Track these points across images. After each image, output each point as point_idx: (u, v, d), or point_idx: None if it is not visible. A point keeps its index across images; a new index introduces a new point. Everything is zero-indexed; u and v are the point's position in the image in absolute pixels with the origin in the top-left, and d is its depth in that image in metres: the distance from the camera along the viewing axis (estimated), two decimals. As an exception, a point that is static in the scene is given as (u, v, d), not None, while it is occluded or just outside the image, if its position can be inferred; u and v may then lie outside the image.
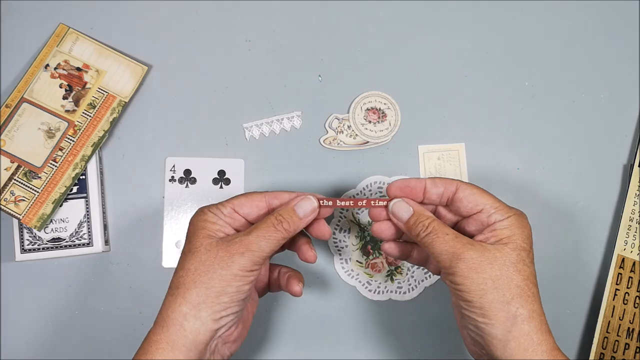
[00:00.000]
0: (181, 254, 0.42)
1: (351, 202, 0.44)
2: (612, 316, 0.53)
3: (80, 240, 0.52)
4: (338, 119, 0.55)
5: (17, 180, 0.51)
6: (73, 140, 0.52)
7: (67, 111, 0.52)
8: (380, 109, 0.55)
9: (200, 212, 0.43)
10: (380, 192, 0.55)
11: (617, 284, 0.53)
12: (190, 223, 0.43)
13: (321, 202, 0.44)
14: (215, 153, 0.55)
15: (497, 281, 0.39)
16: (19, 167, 0.51)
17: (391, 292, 0.54)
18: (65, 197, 0.52)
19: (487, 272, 0.39)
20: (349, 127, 0.55)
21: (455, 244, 0.40)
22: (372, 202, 0.44)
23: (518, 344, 0.38)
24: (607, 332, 0.53)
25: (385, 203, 0.44)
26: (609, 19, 0.57)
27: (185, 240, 0.42)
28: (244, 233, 0.41)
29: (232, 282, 0.40)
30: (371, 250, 0.54)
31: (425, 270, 0.54)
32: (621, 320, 0.53)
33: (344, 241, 0.54)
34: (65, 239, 0.52)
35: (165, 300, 0.41)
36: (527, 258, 0.40)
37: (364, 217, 0.54)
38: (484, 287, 0.39)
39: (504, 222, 0.41)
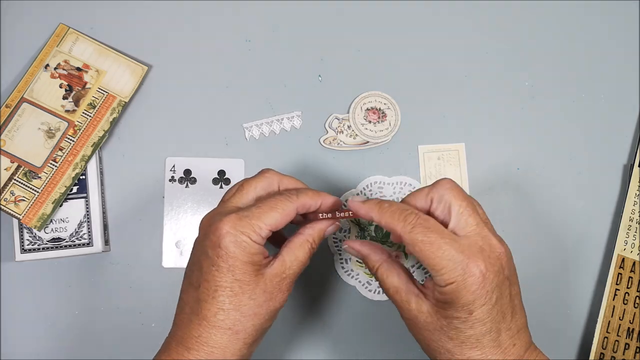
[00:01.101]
0: (210, 264, 0.39)
1: (350, 212, 0.44)
2: (612, 316, 0.53)
3: (80, 240, 0.52)
4: (338, 119, 0.55)
5: (17, 180, 0.51)
6: (73, 140, 0.52)
7: (67, 111, 0.52)
8: (380, 109, 0.55)
9: (236, 233, 0.39)
10: (381, 192, 0.55)
11: (617, 284, 0.53)
12: (221, 240, 0.39)
13: (320, 215, 0.44)
14: (215, 153, 0.55)
15: (431, 344, 0.40)
16: (19, 167, 0.51)
17: (391, 292, 0.54)
18: (65, 197, 0.52)
19: (421, 334, 0.40)
20: (349, 127, 0.55)
21: (394, 299, 0.42)
22: (337, 213, 0.44)
23: None
24: (607, 332, 0.53)
25: (346, 214, 0.44)
26: (609, 19, 0.57)
27: (213, 253, 0.39)
28: (282, 261, 0.41)
29: (276, 313, 0.42)
30: (371, 250, 0.54)
31: (425, 270, 0.54)
32: (621, 320, 0.53)
33: (344, 241, 0.54)
34: (65, 239, 0.52)
35: (198, 322, 0.40)
36: (464, 323, 0.38)
37: (364, 217, 0.54)
38: (419, 343, 0.42)
39: (442, 289, 0.38)
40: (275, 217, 0.40)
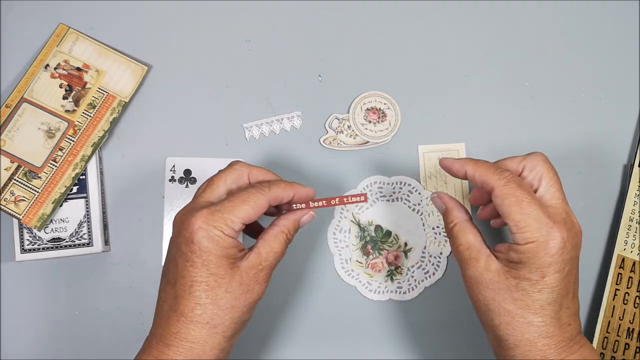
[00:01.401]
0: (184, 260, 0.39)
1: (324, 202, 0.45)
2: (612, 316, 0.53)
3: (80, 240, 0.52)
4: (338, 119, 0.55)
5: (17, 180, 0.51)
6: (73, 140, 0.52)
7: (67, 111, 0.52)
8: (380, 109, 0.55)
9: (209, 228, 0.39)
10: (381, 191, 0.55)
11: (617, 284, 0.53)
12: (194, 236, 0.39)
13: (294, 206, 0.44)
14: (215, 153, 0.55)
15: (491, 304, 0.41)
16: (19, 167, 0.51)
17: (391, 292, 0.54)
18: (65, 197, 0.52)
19: (483, 293, 0.41)
20: (349, 127, 0.55)
21: (463, 256, 0.42)
22: (345, 198, 0.45)
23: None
24: (607, 332, 0.53)
25: (356, 199, 0.45)
26: (609, 19, 0.57)
27: (187, 249, 0.39)
28: (258, 253, 0.41)
29: (254, 305, 0.42)
30: (371, 250, 0.54)
31: (426, 270, 0.54)
32: (621, 320, 0.53)
33: (344, 241, 0.54)
34: (65, 239, 0.52)
35: (176, 317, 0.40)
36: (534, 286, 0.39)
37: (364, 217, 0.54)
38: (477, 307, 0.42)
39: (520, 247, 0.39)
40: (247, 210, 0.40)
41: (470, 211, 0.45)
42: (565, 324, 0.40)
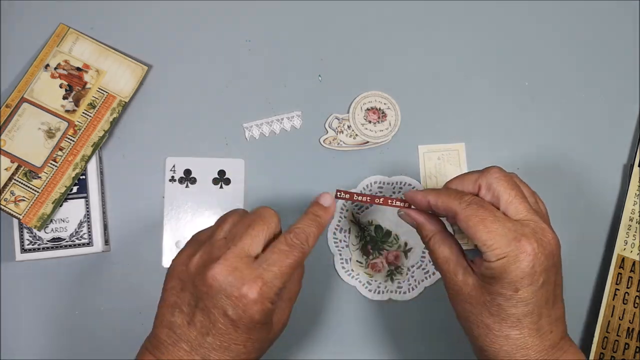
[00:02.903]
0: (227, 323, 0.39)
1: (368, 197, 0.46)
2: (612, 316, 0.53)
3: (80, 240, 0.52)
4: (338, 119, 0.55)
5: (17, 180, 0.51)
6: (73, 140, 0.52)
7: (67, 111, 0.52)
8: (380, 109, 0.55)
9: (264, 301, 0.39)
10: (380, 191, 0.55)
11: (617, 284, 0.53)
12: (248, 308, 0.38)
13: (338, 193, 0.45)
14: (215, 153, 0.55)
15: (470, 317, 0.41)
16: (19, 167, 0.51)
17: (391, 292, 0.54)
18: (65, 197, 0.52)
19: (462, 305, 0.41)
20: (349, 127, 0.55)
21: (442, 269, 0.42)
22: (390, 201, 0.45)
23: None
24: (607, 332, 0.53)
25: (400, 204, 0.45)
26: (609, 19, 0.57)
27: (235, 314, 0.38)
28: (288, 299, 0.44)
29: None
30: (371, 250, 0.54)
31: (425, 270, 0.54)
32: (621, 320, 0.53)
33: (344, 241, 0.54)
34: (65, 239, 0.52)
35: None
36: (508, 301, 0.39)
37: (364, 217, 0.54)
38: (458, 316, 0.42)
39: (491, 264, 0.39)
40: (292, 275, 0.41)
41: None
42: (546, 332, 0.40)
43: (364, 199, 0.46)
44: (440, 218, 0.45)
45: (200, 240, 0.43)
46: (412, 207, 0.45)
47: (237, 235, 0.40)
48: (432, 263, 0.49)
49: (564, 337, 0.41)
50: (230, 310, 0.38)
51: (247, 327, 0.39)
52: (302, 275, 0.45)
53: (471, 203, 0.40)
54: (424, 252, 0.54)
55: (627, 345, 0.53)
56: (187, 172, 0.54)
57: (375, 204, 0.46)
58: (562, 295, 0.42)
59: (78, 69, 0.53)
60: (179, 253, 0.43)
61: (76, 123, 0.52)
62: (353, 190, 0.55)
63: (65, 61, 0.53)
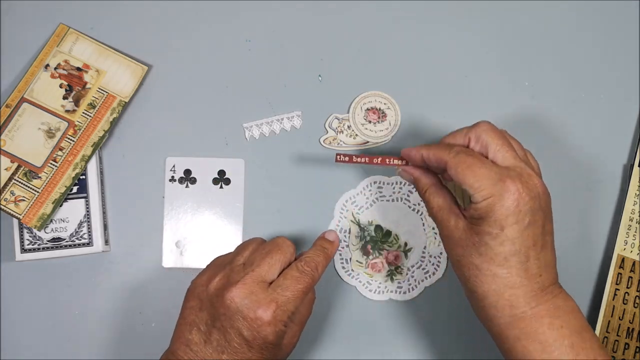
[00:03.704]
0: (242, 342, 0.42)
1: (366, 158, 0.48)
2: (612, 316, 0.53)
3: (80, 240, 0.52)
4: (338, 119, 0.55)
5: (17, 180, 0.51)
6: (73, 140, 0.52)
7: (67, 111, 0.52)
8: (380, 109, 0.55)
9: (277, 323, 0.42)
10: (380, 191, 0.55)
11: (617, 284, 0.53)
12: (262, 329, 0.42)
13: (338, 157, 0.48)
14: (215, 153, 0.55)
15: (461, 259, 0.42)
16: (19, 167, 0.51)
17: (391, 292, 0.54)
18: (65, 197, 0.52)
19: (454, 250, 0.43)
20: (349, 127, 0.55)
21: (436, 218, 0.45)
22: (387, 160, 0.48)
23: (478, 314, 0.44)
24: (607, 332, 0.53)
25: (398, 162, 0.47)
26: (609, 19, 0.57)
27: (249, 335, 0.42)
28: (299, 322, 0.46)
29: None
30: (371, 250, 0.54)
31: (426, 270, 0.54)
32: (621, 320, 0.53)
33: (344, 241, 0.54)
34: (65, 239, 0.52)
35: None
36: (494, 239, 0.40)
37: (364, 217, 0.54)
38: (451, 262, 0.44)
39: (478, 205, 0.41)
40: (304, 299, 0.44)
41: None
42: (534, 274, 0.41)
43: (363, 159, 0.48)
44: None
45: (220, 265, 0.46)
46: (409, 165, 0.47)
47: (255, 262, 0.44)
48: (427, 214, 0.52)
49: (554, 283, 0.43)
50: (245, 331, 0.41)
51: (260, 347, 0.41)
52: (313, 302, 0.47)
53: (460, 152, 0.42)
54: (423, 252, 0.54)
55: (627, 345, 0.53)
56: (187, 172, 0.54)
57: (373, 164, 0.48)
58: (553, 244, 0.43)
59: (78, 69, 0.53)
60: (200, 274, 0.46)
61: (76, 123, 0.52)
62: (351, 191, 0.55)
63: (65, 61, 0.53)
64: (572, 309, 0.42)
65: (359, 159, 0.48)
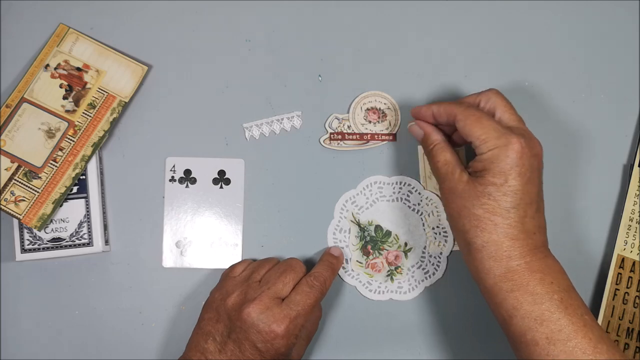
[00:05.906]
0: (256, 354, 0.45)
1: (357, 135, 0.52)
2: (611, 316, 0.53)
3: (80, 240, 0.52)
4: (338, 119, 0.55)
5: (17, 180, 0.51)
6: (73, 140, 0.52)
7: (67, 111, 0.52)
8: (380, 109, 0.55)
9: (290, 337, 0.45)
10: (381, 191, 0.55)
11: (617, 284, 0.53)
12: (275, 342, 0.44)
13: (332, 136, 0.52)
14: (215, 153, 0.55)
15: (462, 211, 0.44)
16: (19, 167, 0.51)
17: (391, 292, 0.54)
18: (66, 197, 0.52)
19: (456, 202, 0.45)
20: (349, 127, 0.55)
21: (441, 172, 0.47)
22: (376, 136, 0.51)
23: (474, 267, 0.45)
24: (607, 332, 0.53)
25: (387, 138, 0.51)
26: (609, 19, 0.57)
27: (263, 346, 0.44)
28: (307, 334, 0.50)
29: None
30: (371, 250, 0.54)
31: (426, 270, 0.54)
32: (621, 320, 0.53)
33: (344, 241, 0.54)
34: (65, 239, 0.52)
35: None
36: (498, 189, 0.43)
37: (364, 217, 0.54)
38: (451, 216, 0.46)
39: (483, 156, 0.44)
40: (309, 310, 0.47)
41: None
42: (530, 231, 0.43)
43: (354, 137, 0.52)
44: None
45: (238, 280, 0.49)
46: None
47: (270, 280, 0.47)
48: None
49: (545, 246, 0.45)
50: (259, 344, 0.44)
51: (272, 358, 0.45)
52: (320, 318, 0.51)
53: (469, 107, 0.46)
54: (423, 252, 0.54)
55: (627, 346, 0.53)
56: (187, 172, 0.54)
57: (363, 140, 0.52)
58: (543, 210, 0.46)
59: (78, 69, 0.53)
60: (217, 288, 0.49)
61: (76, 123, 0.52)
62: (352, 191, 0.55)
63: (65, 61, 0.53)
64: (560, 271, 0.44)
65: (350, 137, 0.52)
